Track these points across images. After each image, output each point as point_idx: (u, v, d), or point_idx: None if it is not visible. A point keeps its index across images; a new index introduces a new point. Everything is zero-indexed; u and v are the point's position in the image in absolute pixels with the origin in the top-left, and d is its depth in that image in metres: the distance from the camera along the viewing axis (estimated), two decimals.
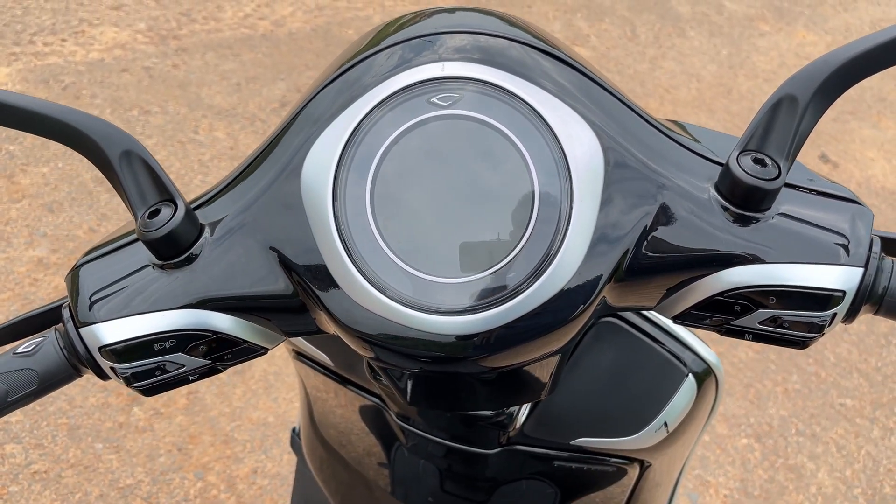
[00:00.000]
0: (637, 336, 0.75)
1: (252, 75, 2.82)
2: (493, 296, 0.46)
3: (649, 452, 0.80)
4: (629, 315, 0.75)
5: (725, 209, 0.49)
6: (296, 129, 0.51)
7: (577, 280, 0.47)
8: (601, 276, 0.48)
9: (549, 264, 0.46)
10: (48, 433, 1.73)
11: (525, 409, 0.73)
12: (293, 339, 0.87)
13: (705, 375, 0.78)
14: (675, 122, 0.57)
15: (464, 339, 0.46)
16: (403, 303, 0.46)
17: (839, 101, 3.53)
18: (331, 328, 0.52)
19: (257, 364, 1.95)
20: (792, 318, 0.49)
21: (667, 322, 0.76)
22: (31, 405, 1.78)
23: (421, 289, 0.46)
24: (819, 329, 0.50)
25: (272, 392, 1.90)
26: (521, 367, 0.53)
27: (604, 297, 0.49)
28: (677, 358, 0.76)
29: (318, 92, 0.52)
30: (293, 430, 1.22)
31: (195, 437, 1.78)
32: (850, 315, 0.51)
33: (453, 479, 0.81)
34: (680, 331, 0.77)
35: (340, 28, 3.22)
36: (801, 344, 0.51)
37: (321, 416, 0.99)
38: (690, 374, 0.75)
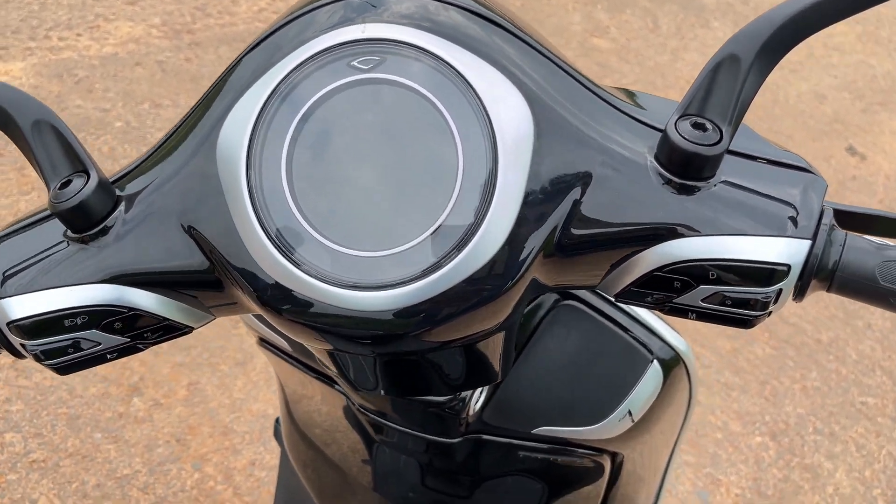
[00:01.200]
0: (600, 321, 0.71)
1: None
2: (412, 270, 0.43)
3: (618, 443, 0.77)
4: (591, 298, 0.72)
5: (664, 178, 0.46)
6: (220, 98, 0.49)
7: (504, 254, 0.44)
8: (530, 250, 0.45)
9: (472, 238, 0.43)
10: (48, 422, 1.73)
11: (480, 396, 0.70)
12: (252, 325, 0.85)
13: (673, 363, 0.74)
14: (624, 89, 0.54)
15: (382, 316, 0.44)
16: (319, 277, 0.44)
17: (868, 91, 3.44)
18: (252, 306, 0.50)
19: (258, 356, 1.94)
20: (735, 295, 0.46)
21: (633, 306, 0.73)
22: (31, 394, 1.78)
23: (338, 263, 0.44)
24: (764, 306, 0.47)
25: (273, 384, 1.89)
26: (460, 347, 0.51)
27: (536, 273, 0.47)
28: (642, 344, 0.72)
29: (243, 56, 0.51)
30: (277, 420, 1.20)
31: (194, 428, 1.77)
32: (800, 292, 0.48)
33: (421, 470, 0.78)
34: (646, 316, 0.73)
35: None
36: (747, 323, 0.48)
37: (294, 404, 0.98)
38: (655, 361, 0.71)
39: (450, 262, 0.43)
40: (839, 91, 3.39)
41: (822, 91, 3.38)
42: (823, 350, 2.24)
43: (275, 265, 0.45)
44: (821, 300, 2.35)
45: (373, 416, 0.73)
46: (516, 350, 0.70)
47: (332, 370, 0.60)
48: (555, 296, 0.70)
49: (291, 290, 0.45)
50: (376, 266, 0.44)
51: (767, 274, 0.45)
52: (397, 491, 0.79)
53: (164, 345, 1.90)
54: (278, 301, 0.46)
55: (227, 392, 1.85)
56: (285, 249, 0.44)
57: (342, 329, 0.46)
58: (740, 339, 2.21)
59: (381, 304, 0.44)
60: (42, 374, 1.80)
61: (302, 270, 0.44)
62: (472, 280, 0.44)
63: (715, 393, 2.07)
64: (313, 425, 0.91)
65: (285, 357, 0.85)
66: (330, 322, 0.45)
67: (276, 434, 1.19)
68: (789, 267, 0.45)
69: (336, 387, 0.77)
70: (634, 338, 0.71)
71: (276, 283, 0.45)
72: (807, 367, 2.18)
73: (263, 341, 0.89)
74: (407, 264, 0.44)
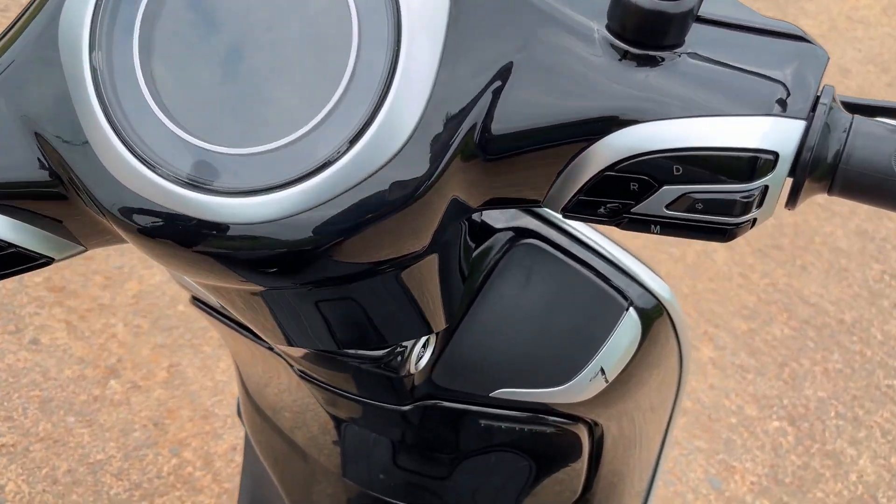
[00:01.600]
0: (565, 262, 0.60)
1: None
2: (297, 169, 0.35)
3: (594, 409, 0.66)
4: (555, 235, 0.61)
5: (618, 50, 0.37)
6: None
7: (411, 150, 0.36)
8: (445, 145, 0.36)
9: (369, 128, 0.35)
10: (19, 405, 1.65)
11: (424, 352, 0.60)
12: (182, 282, 0.75)
13: (655, 313, 0.62)
14: None
15: (263, 230, 0.36)
16: (177, 181, 0.36)
17: (894, 64, 3.28)
18: (113, 228, 0.41)
19: None
20: (707, 196, 0.37)
21: (605, 245, 0.62)
22: (3, 377, 1.70)
23: (204, 163, 0.36)
24: (745, 209, 0.37)
25: None
26: (390, 282, 0.43)
27: (458, 186, 0.38)
28: (616, 289, 0.61)
29: None
30: (238, 398, 1.10)
31: (173, 411, 1.69)
32: (793, 193, 0.38)
33: (381, 445, 0.69)
34: (622, 257, 0.62)
35: None
36: (725, 233, 0.38)
37: (245, 374, 0.88)
38: (631, 309, 0.60)
39: (342, 157, 0.35)
40: (864, 65, 3.25)
41: (846, 65, 3.24)
42: (846, 331, 2.11)
43: (122, 166, 0.37)
44: (844, 279, 2.22)
45: (315, 381, 0.63)
46: (467, 299, 0.60)
47: (240, 319, 0.51)
48: (510, 234, 0.59)
49: (146, 199, 0.37)
50: (253, 165, 0.36)
51: (748, 165, 0.35)
52: (365, 471, 0.70)
53: (144, 324, 1.82)
54: (130, 214, 0.38)
55: (209, 374, 1.77)
56: (136, 146, 0.36)
57: (213, 248, 0.37)
58: (757, 319, 2.08)
59: (260, 212, 0.35)
60: (14, 356, 1.72)
61: (157, 173, 0.36)
62: (372, 182, 0.35)
63: (729, 375, 1.95)
64: (265, 399, 0.81)
65: (220, 317, 0.75)
66: (195, 236, 0.36)
67: (239, 412, 1.09)
68: (777, 155, 0.35)
69: (275, 350, 0.67)
70: (607, 282, 0.60)
71: (126, 189, 0.37)
72: (828, 349, 2.05)
73: (197, 300, 0.79)
74: (290, 162, 0.35)
